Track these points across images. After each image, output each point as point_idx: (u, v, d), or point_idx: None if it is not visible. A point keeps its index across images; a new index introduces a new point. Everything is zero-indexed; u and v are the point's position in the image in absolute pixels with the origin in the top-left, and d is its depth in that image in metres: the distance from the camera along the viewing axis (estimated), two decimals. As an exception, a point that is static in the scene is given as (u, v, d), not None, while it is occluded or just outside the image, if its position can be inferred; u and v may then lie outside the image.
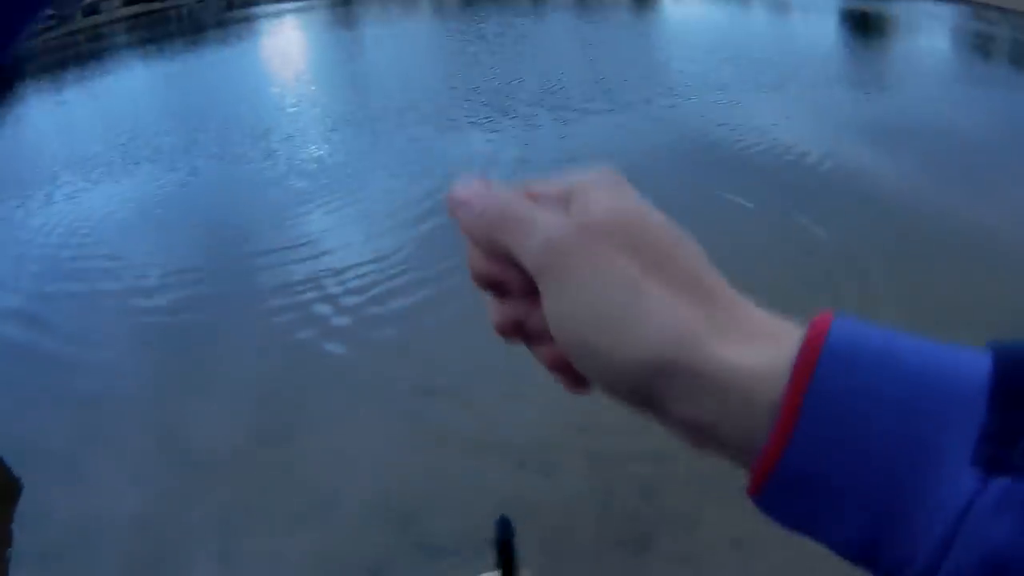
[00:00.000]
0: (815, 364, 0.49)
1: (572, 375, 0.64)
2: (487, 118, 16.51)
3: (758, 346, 0.53)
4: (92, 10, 57.71)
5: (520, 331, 0.66)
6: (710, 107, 16.39)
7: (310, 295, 10.21)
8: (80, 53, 31.77)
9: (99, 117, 21.49)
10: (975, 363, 0.47)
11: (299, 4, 39.31)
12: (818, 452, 0.49)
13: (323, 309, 9.86)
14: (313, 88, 22.60)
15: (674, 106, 16.65)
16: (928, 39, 26.59)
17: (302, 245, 11.65)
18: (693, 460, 5.93)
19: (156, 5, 52.60)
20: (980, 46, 25.84)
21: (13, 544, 6.64)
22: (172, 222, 13.32)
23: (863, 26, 29.41)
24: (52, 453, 7.74)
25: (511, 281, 0.63)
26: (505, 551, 3.42)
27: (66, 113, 23.61)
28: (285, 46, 30.61)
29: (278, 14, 37.15)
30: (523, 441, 7.17)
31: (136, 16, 47.93)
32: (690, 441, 0.58)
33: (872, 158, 13.27)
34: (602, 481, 6.60)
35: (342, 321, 9.59)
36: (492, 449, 7.19)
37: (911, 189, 11.89)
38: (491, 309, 0.67)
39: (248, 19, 36.41)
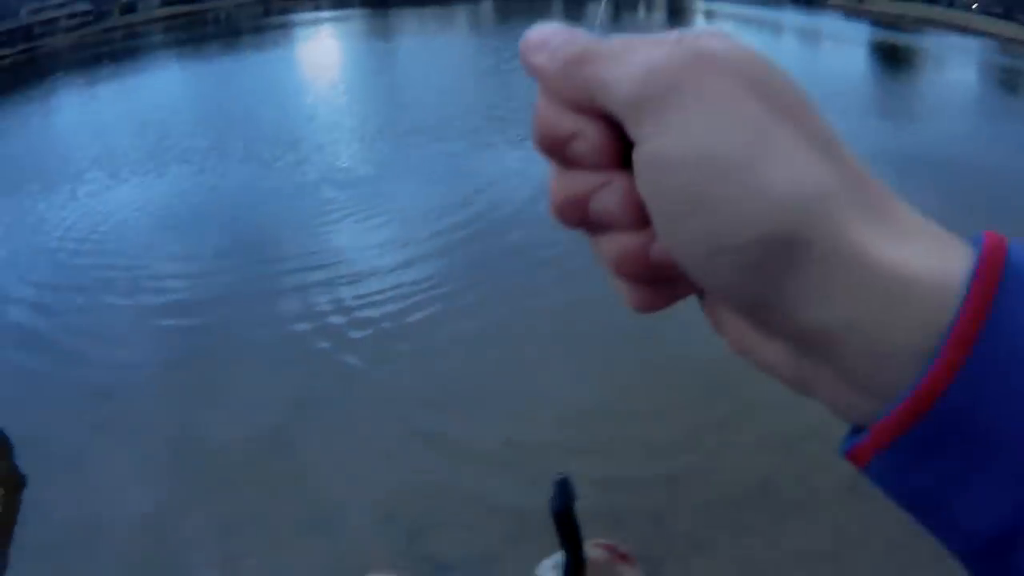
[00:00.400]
0: (997, 285, 0.38)
1: (644, 277, 0.49)
2: (520, 136, 16.44)
3: (914, 244, 0.42)
4: (129, 8, 58.28)
5: (584, 212, 0.49)
6: None
7: (329, 305, 10.13)
8: (115, 50, 32.02)
9: (130, 115, 21.46)
10: None
11: (336, 13, 39.56)
12: (990, 395, 0.38)
13: (340, 320, 9.77)
14: (346, 98, 22.60)
15: None
16: (956, 72, 26.56)
17: (325, 254, 11.57)
18: (704, 487, 5.87)
19: (193, 7, 53.08)
20: (1007, 80, 25.79)
21: (14, 537, 6.62)
22: (196, 225, 13.26)
23: (892, 58, 29.42)
24: (61, 447, 7.71)
25: (587, 139, 0.47)
26: (565, 521, 2.37)
27: (97, 109, 23.73)
28: (320, 54, 30.76)
29: (315, 22, 37.36)
30: (536, 459, 7.09)
31: (173, 17, 48.36)
32: (791, 368, 0.46)
33: (900, 190, 13.21)
34: (611, 504, 6.51)
35: (358, 333, 9.49)
36: (504, 466, 7.08)
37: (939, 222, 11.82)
38: (553, 184, 0.50)
39: (285, 25, 36.64)
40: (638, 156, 0.45)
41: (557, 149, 0.49)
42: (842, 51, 30.15)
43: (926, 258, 0.40)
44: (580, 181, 0.48)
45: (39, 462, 7.58)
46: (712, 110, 0.43)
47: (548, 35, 0.50)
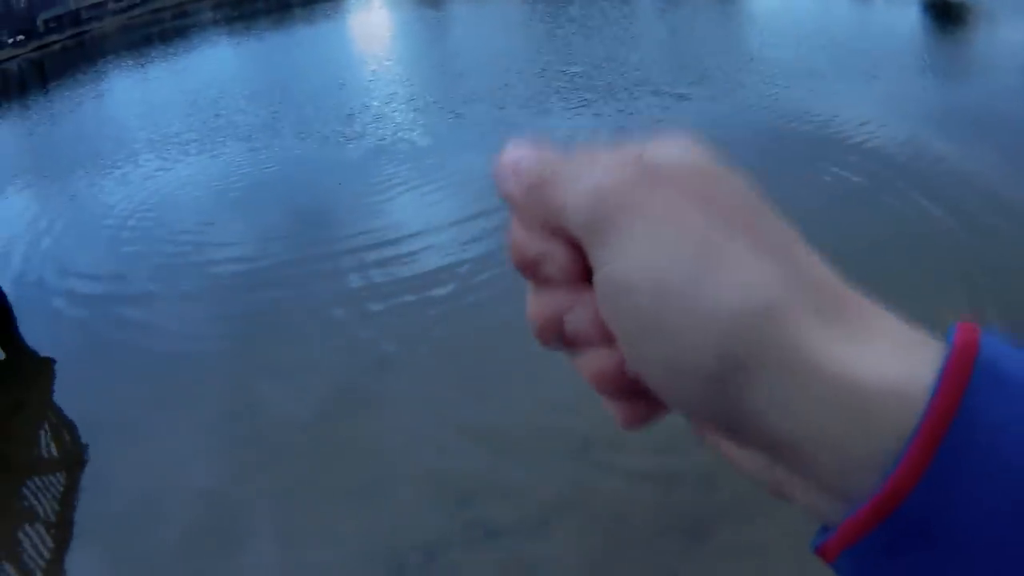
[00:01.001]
0: (966, 384, 0.37)
1: (623, 395, 0.49)
2: (580, 101, 16.15)
3: (878, 347, 0.40)
4: (178, -12, 58.69)
5: (560, 331, 0.50)
6: (805, 94, 15.99)
7: (385, 275, 9.96)
8: (165, 31, 32.12)
9: (182, 95, 21.44)
10: None
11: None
12: (958, 496, 0.36)
13: (397, 290, 9.62)
14: (399, 68, 22.41)
15: (768, 93, 16.28)
16: (1010, 29, 25.98)
17: (383, 230, 11.42)
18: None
19: (241, -17, 53.20)
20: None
21: (76, 512, 6.70)
22: (254, 201, 13.17)
23: (946, 15, 28.88)
24: (121, 422, 7.78)
25: (554, 259, 0.48)
26: None
27: (149, 90, 23.82)
28: (371, 25, 30.70)
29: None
30: (586, 428, 6.88)
31: (221, -6, 48.59)
32: (767, 474, 0.46)
33: (956, 150, 12.88)
34: (662, 467, 6.27)
35: (415, 303, 9.29)
36: (554, 434, 6.79)
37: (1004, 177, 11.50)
38: (529, 304, 0.51)
39: (334, -2, 36.70)
40: (595, 280, 0.46)
41: (530, 270, 0.51)
42: (894, 10, 29.56)
43: (890, 362, 0.40)
44: (553, 301, 0.50)
45: (99, 437, 7.64)
46: (656, 229, 0.44)
47: (518, 158, 0.53)
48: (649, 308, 0.42)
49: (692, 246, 0.42)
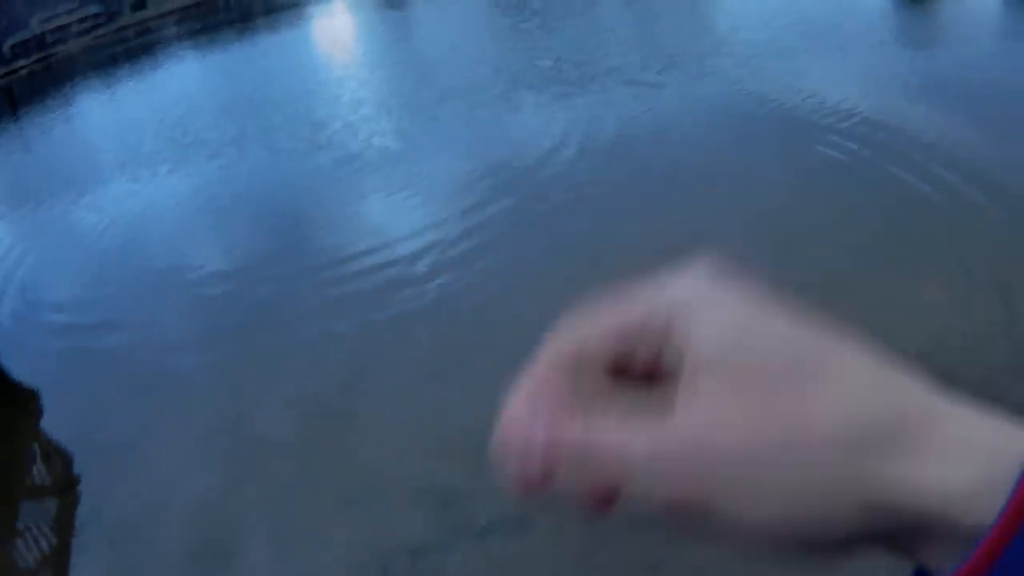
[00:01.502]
0: None
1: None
2: (552, 95, 16.19)
3: (961, 462, 0.42)
4: (140, 5, 58.33)
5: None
6: (780, 74, 16.05)
7: (365, 284, 9.99)
8: (130, 49, 32.06)
9: (152, 113, 21.39)
10: None
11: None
12: None
13: (377, 298, 9.66)
14: (366, 72, 22.36)
15: (742, 75, 16.35)
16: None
17: (359, 236, 11.47)
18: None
19: (203, -4, 52.96)
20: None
21: (74, 535, 6.76)
22: (227, 215, 13.21)
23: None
24: (112, 439, 7.86)
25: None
26: None
27: (118, 110, 23.78)
28: (335, 31, 30.66)
29: (327, -3, 37.41)
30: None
31: (184, 8, 48.28)
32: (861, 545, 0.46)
33: (929, 118, 12.99)
34: None
35: (396, 310, 9.31)
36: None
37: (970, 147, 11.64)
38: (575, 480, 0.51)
39: (297, 4, 36.51)
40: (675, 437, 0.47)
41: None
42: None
43: (970, 472, 0.42)
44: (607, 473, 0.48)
45: (90, 460, 7.72)
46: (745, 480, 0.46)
47: (515, 438, 0.53)
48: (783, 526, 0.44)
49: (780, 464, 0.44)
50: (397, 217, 12.02)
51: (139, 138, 18.51)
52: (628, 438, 0.46)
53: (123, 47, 32.12)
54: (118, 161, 16.90)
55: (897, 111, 13.23)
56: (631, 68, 17.22)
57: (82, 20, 56.27)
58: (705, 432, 0.44)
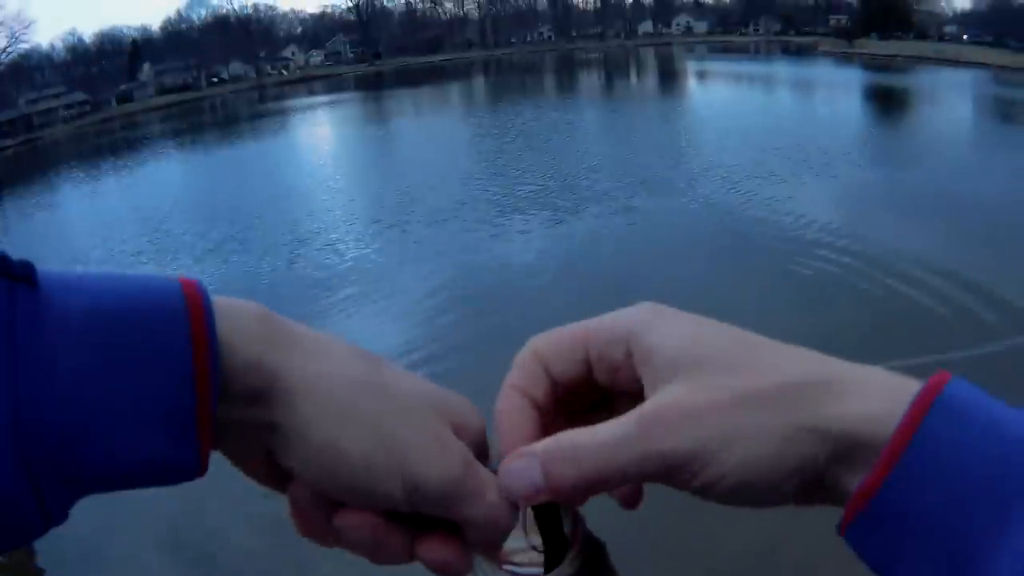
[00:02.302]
0: (925, 413, 0.50)
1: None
2: (526, 213, 16.48)
3: (873, 398, 0.52)
4: (126, 98, 58.92)
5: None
6: (766, 195, 16.42)
7: None
8: (115, 141, 32.30)
9: (132, 210, 21.52)
10: None
11: (330, 97, 39.82)
12: (912, 490, 0.49)
13: None
14: (344, 185, 22.77)
15: (727, 197, 16.75)
16: (952, 107, 26.72)
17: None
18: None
19: (190, 95, 53.57)
20: (1002, 109, 25.99)
21: None
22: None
23: (888, 100, 29.59)
24: (76, 535, 7.42)
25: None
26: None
27: (100, 203, 23.86)
28: (318, 142, 30.91)
29: (310, 107, 37.61)
30: None
31: (170, 105, 48.75)
32: (801, 493, 0.55)
33: (906, 231, 13.33)
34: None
35: None
36: None
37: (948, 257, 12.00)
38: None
39: (281, 112, 36.84)
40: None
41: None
42: (836, 98, 30.34)
43: (881, 404, 0.51)
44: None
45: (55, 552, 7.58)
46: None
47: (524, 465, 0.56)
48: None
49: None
50: (369, 332, 12.23)
51: (119, 235, 18.61)
52: (613, 427, 0.54)
53: (108, 138, 32.42)
54: (97, 255, 16.94)
55: (876, 225, 13.61)
56: (616, 191, 17.54)
57: (69, 106, 56.83)
58: (681, 400, 0.53)
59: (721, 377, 0.54)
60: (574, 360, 0.59)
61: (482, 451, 0.60)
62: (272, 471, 0.57)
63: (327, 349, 0.58)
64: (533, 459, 0.55)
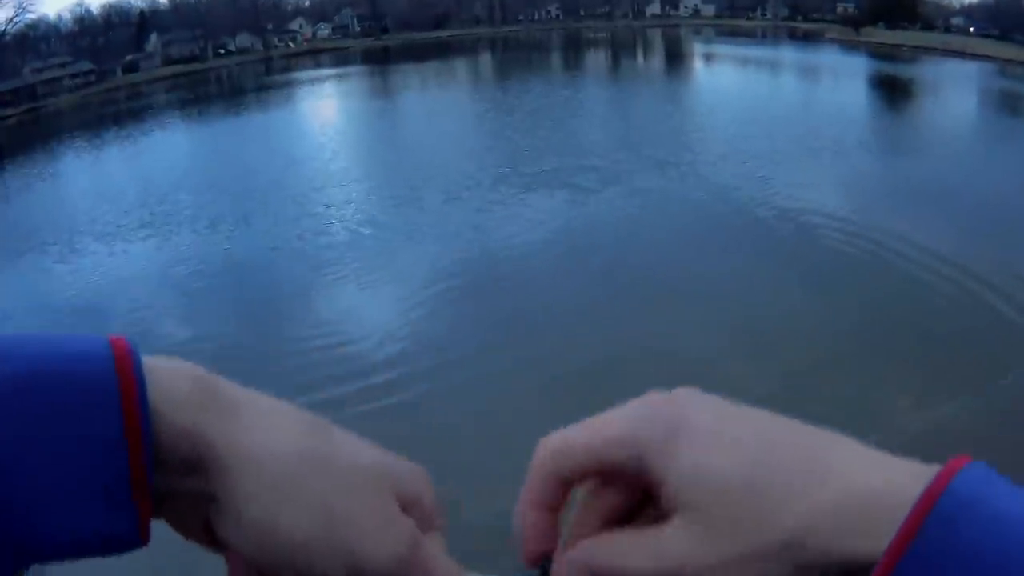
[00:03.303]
0: (932, 506, 0.47)
1: None
2: (528, 189, 16.48)
3: (878, 523, 0.49)
4: (132, 68, 58.62)
5: None
6: (752, 176, 16.42)
7: (329, 368, 10.14)
8: (119, 112, 32.15)
9: (135, 179, 21.43)
10: None
11: (337, 70, 39.56)
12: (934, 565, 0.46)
13: (340, 387, 9.79)
14: (349, 157, 22.69)
15: (715, 174, 16.74)
16: (956, 99, 26.59)
17: (328, 316, 11.63)
18: None
19: (196, 66, 53.34)
20: (1006, 102, 25.88)
21: None
22: (198, 287, 13.29)
23: (892, 89, 29.44)
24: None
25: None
26: None
27: (102, 173, 23.77)
28: (322, 112, 30.78)
29: (317, 80, 37.37)
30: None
31: (176, 76, 48.51)
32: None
33: (909, 220, 13.32)
34: None
35: (356, 399, 9.36)
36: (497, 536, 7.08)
37: (941, 253, 12.01)
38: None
39: (288, 84, 36.63)
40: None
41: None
42: (841, 86, 30.18)
43: (893, 480, 0.49)
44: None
45: None
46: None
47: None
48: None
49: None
50: (369, 302, 12.28)
51: (121, 204, 18.59)
52: (631, 557, 0.53)
53: (112, 108, 32.22)
54: (97, 225, 16.82)
55: (881, 210, 13.60)
56: (620, 172, 17.54)
57: (74, 76, 56.59)
58: (694, 554, 0.51)
59: (731, 530, 0.51)
60: (589, 468, 0.55)
61: (429, 523, 0.59)
62: (214, 537, 0.55)
63: (269, 416, 0.56)
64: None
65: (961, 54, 38.15)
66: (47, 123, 35.45)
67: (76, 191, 21.90)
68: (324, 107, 32.19)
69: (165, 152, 25.23)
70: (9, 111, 45.52)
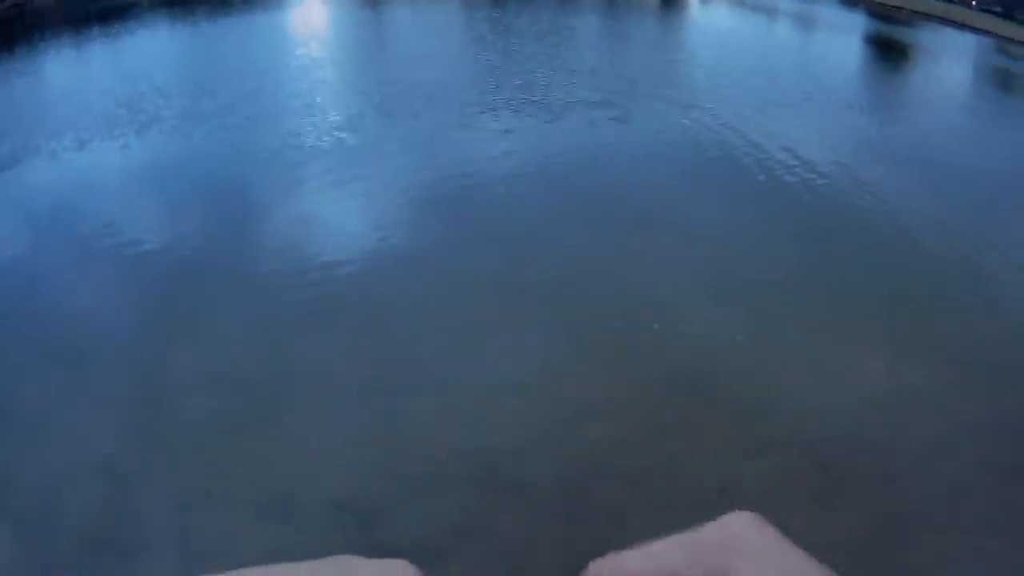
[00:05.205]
0: None
1: None
2: (511, 110, 16.44)
3: None
4: (121, -33, 57.59)
5: None
6: (734, 119, 16.43)
7: (300, 278, 10.14)
8: (106, 9, 31.62)
9: (115, 80, 21.09)
10: None
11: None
12: None
13: (310, 293, 9.74)
14: (333, 66, 22.54)
15: (696, 116, 16.71)
16: (950, 69, 26.66)
17: (299, 223, 11.58)
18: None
19: (186, -32, 52.23)
20: (1001, 80, 25.89)
21: None
22: (175, 187, 13.20)
23: (887, 50, 29.44)
24: (26, 409, 7.79)
25: None
26: None
27: (83, 72, 23.50)
28: (309, 21, 30.58)
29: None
30: (496, 448, 7.06)
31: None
32: None
33: (886, 185, 13.30)
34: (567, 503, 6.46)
35: (325, 305, 9.53)
36: (462, 455, 7.04)
37: (917, 220, 11.98)
38: None
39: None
40: None
41: None
42: (836, 41, 30.13)
43: None
44: None
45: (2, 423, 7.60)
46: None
47: None
48: None
49: None
50: (330, 207, 12.27)
51: (98, 104, 18.30)
52: None
53: (98, 6, 31.67)
54: (72, 124, 16.68)
55: (860, 166, 13.61)
56: (600, 104, 17.44)
57: (61, -28, 55.70)
58: None
59: None
60: None
61: None
62: None
63: None
64: None
65: (961, 25, 38.03)
66: (31, 20, 34.88)
67: (54, 89, 21.62)
68: (310, 13, 31.92)
69: (149, 54, 24.91)
70: (-6, 7, 44.76)
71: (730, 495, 6.55)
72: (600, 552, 0.57)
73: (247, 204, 12.28)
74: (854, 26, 33.05)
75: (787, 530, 0.55)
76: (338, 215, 11.90)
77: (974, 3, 46.62)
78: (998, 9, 47.62)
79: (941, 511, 6.70)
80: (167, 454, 7.15)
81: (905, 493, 6.92)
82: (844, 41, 29.97)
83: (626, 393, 7.93)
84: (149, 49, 25.40)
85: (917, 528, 6.50)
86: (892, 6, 43.84)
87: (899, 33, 31.73)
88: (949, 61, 28.58)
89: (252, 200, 12.56)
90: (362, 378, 8.14)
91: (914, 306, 9.84)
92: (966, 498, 6.85)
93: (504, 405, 7.66)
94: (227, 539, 6.14)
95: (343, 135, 15.06)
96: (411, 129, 15.39)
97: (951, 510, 6.73)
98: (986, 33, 35.96)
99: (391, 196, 12.35)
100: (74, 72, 23.52)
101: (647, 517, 6.02)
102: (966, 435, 7.65)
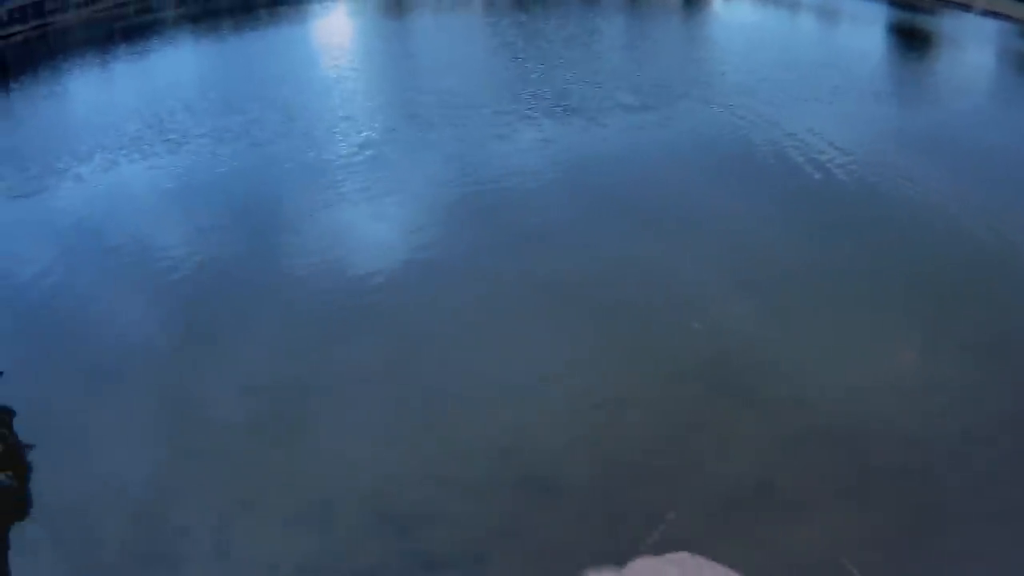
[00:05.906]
0: None
1: None
2: (540, 114, 16.40)
3: None
4: (143, -18, 57.93)
5: None
6: (760, 112, 16.36)
7: (330, 291, 10.17)
8: (129, 27, 31.74)
9: (142, 97, 21.12)
10: None
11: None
12: None
13: (341, 303, 9.81)
14: (359, 77, 22.42)
15: (726, 111, 16.64)
16: (973, 55, 26.42)
17: (329, 235, 11.65)
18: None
19: (207, -17, 52.40)
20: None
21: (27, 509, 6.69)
22: (203, 204, 13.28)
23: (910, 39, 29.19)
24: (64, 421, 7.80)
25: None
26: None
27: (109, 90, 23.54)
28: (335, 32, 30.51)
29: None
30: (529, 454, 7.00)
31: (187, -9, 47.84)
32: None
33: (912, 171, 13.19)
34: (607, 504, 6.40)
35: (357, 318, 9.53)
36: (497, 459, 7.03)
37: (944, 205, 11.85)
38: None
39: (300, 1, 36.20)
40: None
41: None
42: (860, 32, 29.88)
43: None
44: None
45: (43, 439, 7.58)
46: None
47: None
48: None
49: None
50: (361, 221, 12.32)
51: (126, 122, 18.38)
52: None
53: (122, 24, 31.81)
54: (101, 142, 16.71)
55: (889, 155, 13.47)
56: (629, 105, 17.54)
57: (83, -8, 56.06)
58: None
59: None
60: None
61: None
62: None
63: None
64: None
65: (983, 11, 37.70)
66: (55, 40, 35.07)
67: (82, 108, 21.65)
68: (335, 24, 31.86)
69: (174, 71, 24.94)
70: (18, 28, 44.99)
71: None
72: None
73: (283, 220, 12.30)
74: (876, 16, 32.75)
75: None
76: (374, 228, 11.87)
77: (994, -12, 46.18)
78: (1019, -7, 47.24)
79: (975, 501, 6.61)
80: (207, 464, 7.13)
81: (938, 484, 6.83)
82: (867, 31, 29.72)
83: (662, 391, 7.91)
84: (175, 66, 25.46)
85: (951, 519, 6.41)
86: (913, -6, 43.51)
87: (921, 21, 31.46)
88: (974, 47, 28.31)
89: (288, 215, 12.56)
90: (399, 384, 8.12)
91: (949, 294, 9.76)
92: (1002, 487, 6.76)
93: (542, 406, 7.66)
94: (266, 548, 6.12)
95: (375, 150, 15.00)
96: (446, 138, 15.34)
97: (986, 500, 6.63)
98: (1008, 18, 35.64)
99: (427, 204, 12.32)
100: (100, 92, 23.56)
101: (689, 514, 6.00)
102: (1003, 428, 7.55)
